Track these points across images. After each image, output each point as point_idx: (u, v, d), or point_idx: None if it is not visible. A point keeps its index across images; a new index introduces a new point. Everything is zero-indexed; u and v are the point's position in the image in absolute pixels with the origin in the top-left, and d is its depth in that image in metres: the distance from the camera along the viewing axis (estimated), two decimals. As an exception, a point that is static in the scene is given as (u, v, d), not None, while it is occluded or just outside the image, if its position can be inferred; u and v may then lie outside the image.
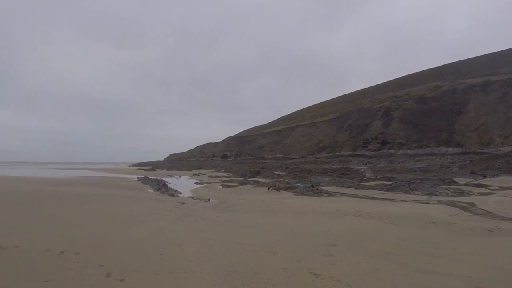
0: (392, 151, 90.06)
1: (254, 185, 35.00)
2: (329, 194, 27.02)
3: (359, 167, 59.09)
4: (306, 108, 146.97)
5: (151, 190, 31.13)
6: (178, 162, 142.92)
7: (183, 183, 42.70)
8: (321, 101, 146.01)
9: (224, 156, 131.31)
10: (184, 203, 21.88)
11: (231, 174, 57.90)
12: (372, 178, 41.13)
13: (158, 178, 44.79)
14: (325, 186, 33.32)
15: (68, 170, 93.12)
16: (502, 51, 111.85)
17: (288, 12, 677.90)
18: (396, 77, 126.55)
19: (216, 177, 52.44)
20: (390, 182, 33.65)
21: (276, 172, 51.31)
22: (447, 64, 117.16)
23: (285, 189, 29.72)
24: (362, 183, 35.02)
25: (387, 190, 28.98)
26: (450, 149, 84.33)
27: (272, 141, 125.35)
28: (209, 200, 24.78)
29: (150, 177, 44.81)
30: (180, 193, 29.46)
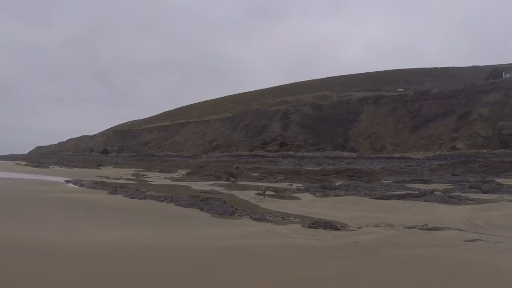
0: (291, 152, 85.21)
1: (317, 194, 23.43)
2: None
3: (313, 168, 51.51)
4: (191, 105, 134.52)
5: (205, 214, 15.17)
6: (53, 156, 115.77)
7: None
8: (207, 99, 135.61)
9: (105, 151, 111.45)
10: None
11: (168, 174, 44.40)
12: (388, 180, 33.28)
13: (118, 181, 31.11)
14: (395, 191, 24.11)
15: None
16: (379, 71, 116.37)
17: (206, 17, 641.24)
18: (281, 84, 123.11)
19: (173, 178, 38.13)
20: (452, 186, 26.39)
21: (254, 174, 39.99)
22: (332, 77, 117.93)
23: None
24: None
25: (485, 192, 21.80)
26: (346, 153, 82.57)
27: (159, 137, 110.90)
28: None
29: (107, 181, 29.70)
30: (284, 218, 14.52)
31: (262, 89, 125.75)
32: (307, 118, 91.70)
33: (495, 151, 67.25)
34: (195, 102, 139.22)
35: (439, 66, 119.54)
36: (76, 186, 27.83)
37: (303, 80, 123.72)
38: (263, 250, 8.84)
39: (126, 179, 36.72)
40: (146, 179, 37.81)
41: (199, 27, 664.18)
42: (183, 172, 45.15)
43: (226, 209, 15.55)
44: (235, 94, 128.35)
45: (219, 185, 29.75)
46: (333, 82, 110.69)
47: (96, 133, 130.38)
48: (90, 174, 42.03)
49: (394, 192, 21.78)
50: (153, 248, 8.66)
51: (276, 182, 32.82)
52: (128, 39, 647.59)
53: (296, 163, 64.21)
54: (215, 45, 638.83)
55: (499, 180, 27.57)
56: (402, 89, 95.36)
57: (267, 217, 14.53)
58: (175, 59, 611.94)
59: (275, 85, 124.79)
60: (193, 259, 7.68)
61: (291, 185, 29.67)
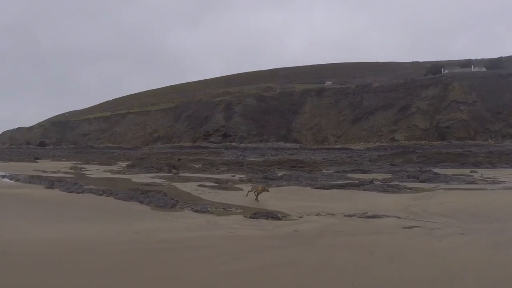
0: (234, 144, 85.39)
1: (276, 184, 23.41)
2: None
3: (256, 159, 51.83)
4: (132, 94, 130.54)
5: (145, 207, 14.60)
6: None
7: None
8: (149, 89, 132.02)
9: (42, 144, 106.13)
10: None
11: (108, 167, 42.69)
12: (330, 171, 33.96)
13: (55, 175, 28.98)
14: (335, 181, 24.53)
15: None
16: (323, 64, 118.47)
17: (150, 4, 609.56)
18: (225, 75, 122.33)
19: (113, 171, 36.55)
20: (390, 175, 27.31)
21: (197, 166, 39.32)
22: (276, 68, 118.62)
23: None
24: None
25: (422, 181, 22.88)
26: (288, 144, 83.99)
27: (99, 128, 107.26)
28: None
29: (44, 175, 28.16)
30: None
31: (205, 80, 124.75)
32: (251, 109, 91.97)
33: (433, 142, 71.37)
34: (136, 92, 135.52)
35: (381, 60, 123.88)
36: (12, 181, 26.24)
37: (247, 71, 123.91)
38: (204, 242, 8.56)
39: (64, 172, 34.98)
40: (84, 172, 36.19)
41: (143, 15, 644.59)
42: (123, 164, 43.54)
43: (167, 201, 15.08)
44: (177, 84, 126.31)
45: (160, 177, 28.99)
46: (277, 74, 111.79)
47: (33, 124, 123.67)
48: (27, 168, 39.55)
49: (335, 182, 22.14)
50: (91, 243, 8.12)
51: (219, 173, 32.48)
52: (69, 26, 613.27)
53: (239, 154, 64.21)
54: (159, 34, 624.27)
55: (436, 170, 28.91)
56: (331, 82, 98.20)
57: (209, 208, 14.24)
58: (117, 47, 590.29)
59: (219, 76, 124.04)
60: (132, 254, 7.27)
61: (234, 176, 29.48)
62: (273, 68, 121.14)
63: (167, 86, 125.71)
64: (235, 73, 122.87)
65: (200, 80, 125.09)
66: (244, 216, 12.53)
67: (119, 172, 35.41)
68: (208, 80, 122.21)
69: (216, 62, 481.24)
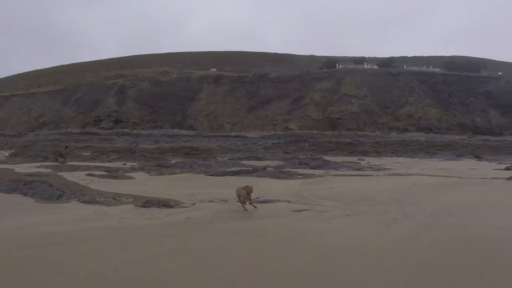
0: (126, 130, 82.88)
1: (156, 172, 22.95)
2: (301, 175, 20.33)
3: (149, 146, 50.95)
4: (17, 74, 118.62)
5: (29, 199, 13.12)
6: None
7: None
8: (36, 69, 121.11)
9: None
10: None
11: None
12: (224, 158, 34.64)
13: None
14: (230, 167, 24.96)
15: None
16: (222, 51, 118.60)
17: None
18: (119, 56, 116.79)
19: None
20: (284, 162, 28.58)
21: (85, 153, 37.19)
22: (174, 53, 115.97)
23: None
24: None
25: (313, 168, 24.29)
26: (183, 131, 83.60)
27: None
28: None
29: None
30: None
31: (98, 60, 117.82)
32: (145, 94, 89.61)
33: (324, 132, 76.19)
34: (22, 71, 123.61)
35: (280, 52, 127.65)
36: None
37: (143, 53, 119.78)
38: (92, 234, 8.05)
39: None
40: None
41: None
42: (6, 153, 39.78)
43: (52, 192, 14.00)
44: (67, 64, 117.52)
45: (46, 167, 26.80)
46: (174, 59, 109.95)
47: None
48: None
49: (229, 169, 22.37)
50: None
51: (109, 161, 31.01)
52: None
53: (132, 141, 62.26)
54: (49, 8, 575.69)
55: (326, 157, 30.70)
56: (215, 69, 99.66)
57: (97, 199, 13.46)
58: (2, 20, 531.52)
59: (113, 57, 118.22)
60: (14, 251, 6.60)
61: (125, 164, 28.34)
62: (170, 52, 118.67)
63: (56, 66, 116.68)
64: (131, 55, 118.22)
65: (92, 61, 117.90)
66: (135, 205, 12.10)
67: (0, 162, 32.29)
68: (101, 61, 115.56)
69: (111, 42, 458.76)
